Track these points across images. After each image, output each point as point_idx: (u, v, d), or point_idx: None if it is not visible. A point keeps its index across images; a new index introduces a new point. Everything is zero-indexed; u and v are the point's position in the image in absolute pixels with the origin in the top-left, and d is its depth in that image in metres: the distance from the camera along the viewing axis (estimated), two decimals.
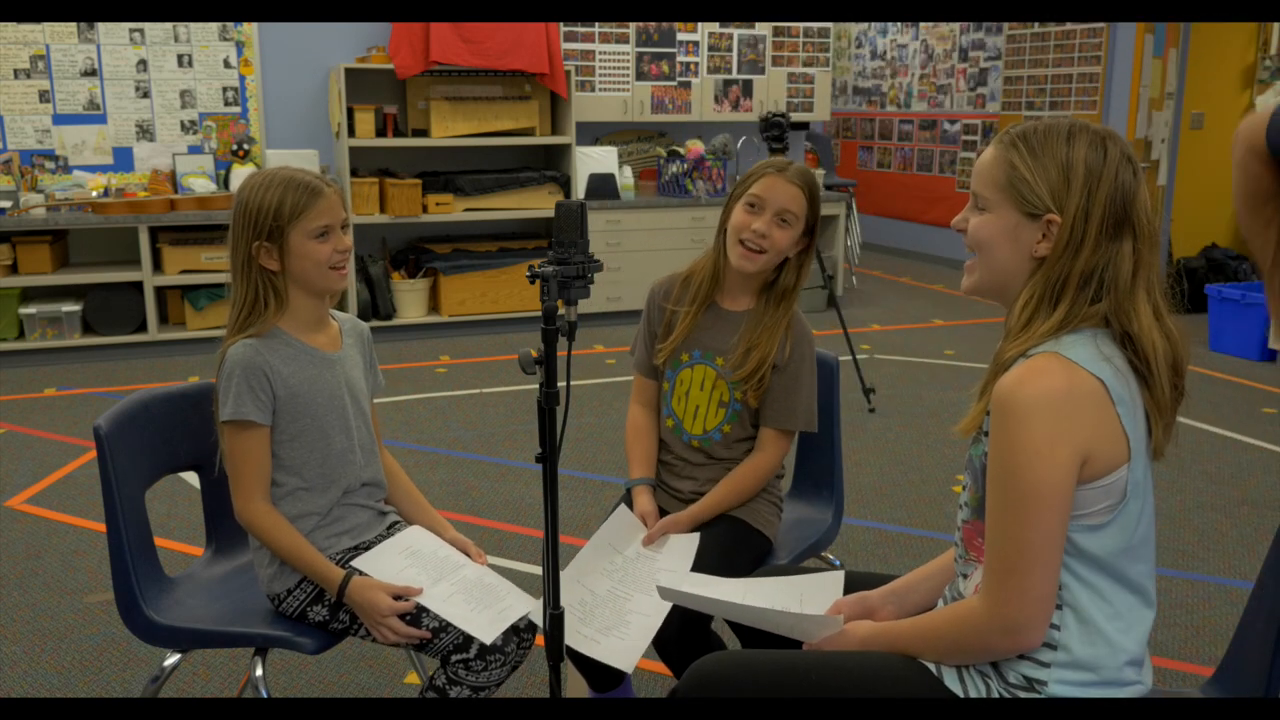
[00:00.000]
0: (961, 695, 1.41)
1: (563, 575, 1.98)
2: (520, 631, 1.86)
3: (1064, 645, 1.38)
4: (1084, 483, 1.33)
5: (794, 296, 2.16)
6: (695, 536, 2.07)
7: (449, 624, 1.81)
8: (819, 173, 7.21)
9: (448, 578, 1.90)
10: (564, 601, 1.92)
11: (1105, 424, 1.32)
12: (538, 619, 1.83)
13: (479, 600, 1.86)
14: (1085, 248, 1.36)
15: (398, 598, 1.82)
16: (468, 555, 2.00)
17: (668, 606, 1.89)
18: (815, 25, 7.29)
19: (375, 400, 2.12)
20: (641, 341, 2.27)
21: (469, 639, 1.80)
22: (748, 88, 7.18)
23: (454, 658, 1.80)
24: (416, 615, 1.82)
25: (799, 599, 1.71)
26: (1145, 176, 1.40)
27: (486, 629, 1.80)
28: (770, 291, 2.15)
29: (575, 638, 1.87)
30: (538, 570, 3.09)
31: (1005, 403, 1.32)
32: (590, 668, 2.10)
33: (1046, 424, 1.29)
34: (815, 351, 2.18)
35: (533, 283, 1.61)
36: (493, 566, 2.03)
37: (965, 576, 1.49)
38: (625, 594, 1.95)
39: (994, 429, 1.34)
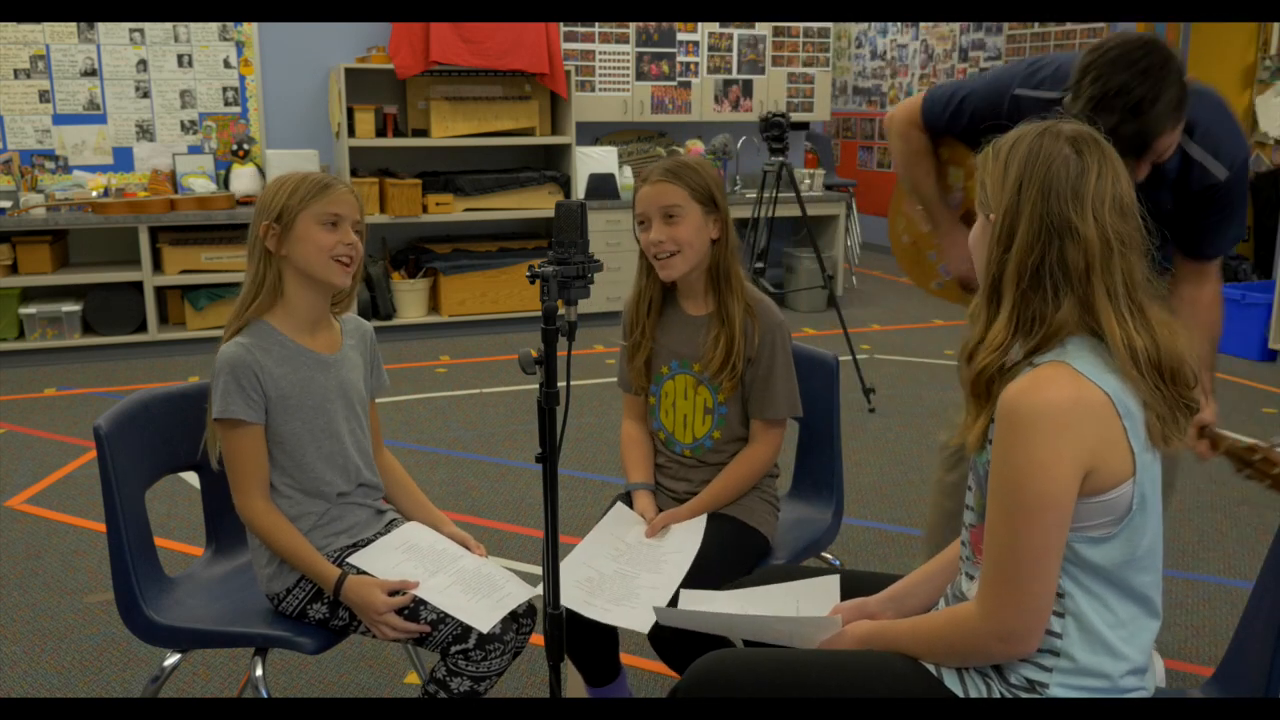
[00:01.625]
0: (962, 695, 1.41)
1: (566, 560, 1.99)
2: (519, 618, 1.87)
3: (1066, 653, 1.37)
4: (1087, 496, 1.32)
5: (735, 274, 2.13)
6: (700, 520, 2.07)
7: (447, 615, 1.81)
8: (818, 173, 7.21)
9: (445, 569, 1.90)
10: (570, 579, 1.93)
11: (1110, 437, 1.31)
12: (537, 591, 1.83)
13: (476, 590, 1.86)
14: (1016, 244, 1.35)
15: (395, 593, 1.82)
16: (466, 549, 2.00)
17: (677, 581, 1.91)
18: (815, 25, 7.29)
19: (376, 400, 2.12)
20: (623, 361, 2.27)
21: (467, 629, 1.80)
22: (748, 88, 7.18)
23: (454, 649, 1.80)
24: (414, 609, 1.82)
25: (795, 605, 1.71)
26: (1112, 172, 1.36)
27: (484, 618, 1.80)
28: (717, 279, 2.14)
29: (586, 607, 1.88)
30: (538, 570, 3.09)
31: (1010, 412, 1.31)
32: (586, 662, 2.09)
33: (1050, 435, 1.28)
34: (788, 337, 2.17)
35: (533, 283, 1.61)
36: None
37: (971, 578, 1.49)
38: (633, 573, 1.96)
39: (997, 438, 1.33)
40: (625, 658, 2.60)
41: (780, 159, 5.00)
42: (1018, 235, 1.35)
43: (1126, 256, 1.36)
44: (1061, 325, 1.35)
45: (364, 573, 1.88)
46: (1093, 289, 1.34)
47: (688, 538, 2.04)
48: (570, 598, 1.89)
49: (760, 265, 5.25)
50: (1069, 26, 7.53)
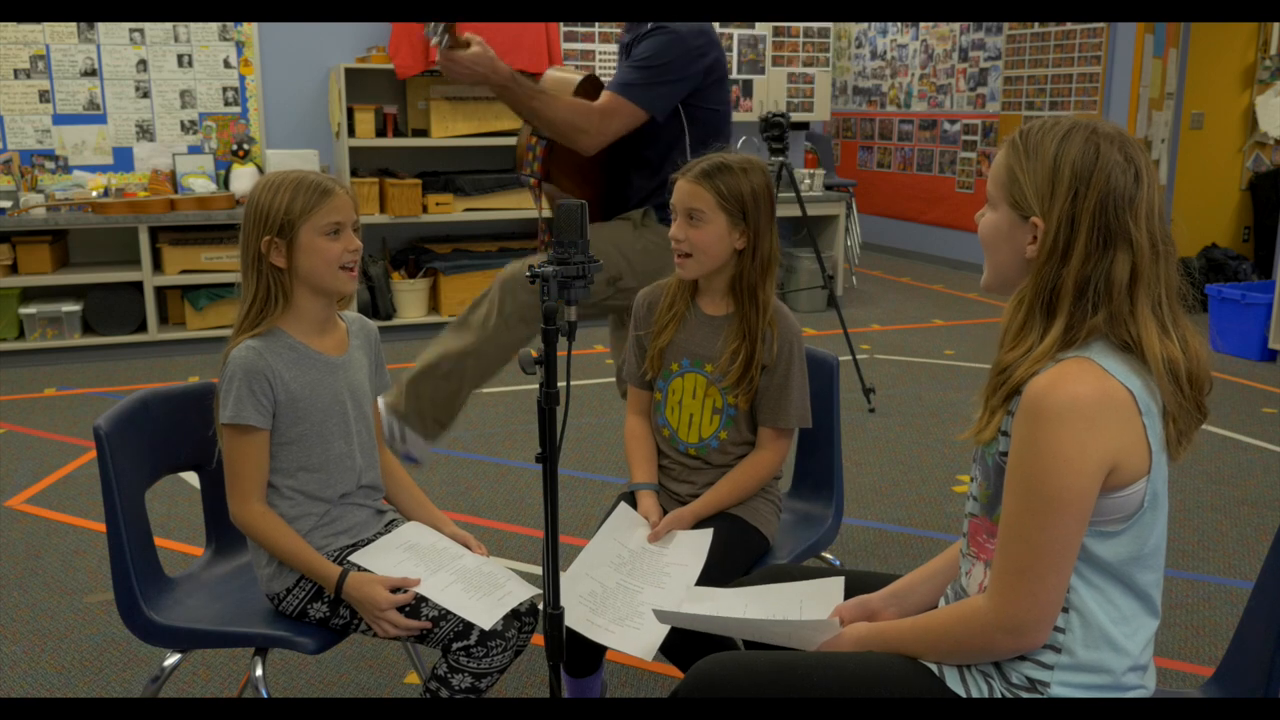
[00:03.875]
0: (964, 695, 1.41)
1: (569, 570, 1.98)
2: (521, 616, 1.86)
3: (1067, 648, 1.37)
4: (1105, 492, 1.31)
5: (763, 291, 2.11)
6: (708, 533, 2.06)
7: (448, 612, 1.81)
8: (818, 173, 7.20)
9: (446, 567, 1.90)
10: (573, 592, 1.93)
11: (1132, 435, 1.30)
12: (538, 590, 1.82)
13: (477, 588, 1.86)
14: (1074, 256, 1.32)
15: (396, 590, 1.82)
16: (468, 549, 2.00)
17: (681, 598, 1.89)
18: (815, 25, 7.29)
19: (378, 400, 2.12)
20: (632, 353, 2.26)
21: (469, 626, 1.79)
22: (748, 88, 7.18)
23: (455, 646, 1.80)
24: (415, 606, 1.82)
25: (799, 606, 1.71)
26: (1156, 178, 1.36)
27: (485, 615, 1.80)
28: (739, 291, 2.13)
29: (589, 628, 1.87)
30: (538, 570, 3.09)
31: (1036, 405, 1.30)
32: (571, 652, 2.06)
33: (1077, 430, 1.27)
34: (804, 348, 2.17)
35: (533, 283, 1.61)
36: None
37: (966, 573, 1.49)
38: (636, 587, 1.95)
39: (1020, 430, 1.32)
40: (625, 657, 2.60)
41: (780, 159, 5.00)
42: (1076, 247, 1.32)
43: (1169, 264, 1.35)
44: (1090, 331, 1.34)
45: (365, 570, 1.88)
46: (1136, 299, 1.33)
47: (693, 549, 2.02)
48: (573, 617, 1.87)
49: None
50: (1069, 26, 7.53)
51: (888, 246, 9.41)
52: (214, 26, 6.04)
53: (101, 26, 5.85)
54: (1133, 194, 1.32)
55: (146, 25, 5.93)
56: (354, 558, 1.91)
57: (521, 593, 1.87)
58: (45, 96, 5.82)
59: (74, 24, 5.79)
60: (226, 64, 6.10)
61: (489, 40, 6.76)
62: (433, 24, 2.59)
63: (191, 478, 2.47)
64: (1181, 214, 7.31)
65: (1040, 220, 1.35)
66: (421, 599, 1.83)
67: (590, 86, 2.83)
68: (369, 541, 1.97)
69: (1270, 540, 1.60)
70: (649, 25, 2.74)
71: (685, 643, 1.85)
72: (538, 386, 1.61)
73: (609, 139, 2.71)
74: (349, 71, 5.93)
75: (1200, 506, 3.67)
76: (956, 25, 8.60)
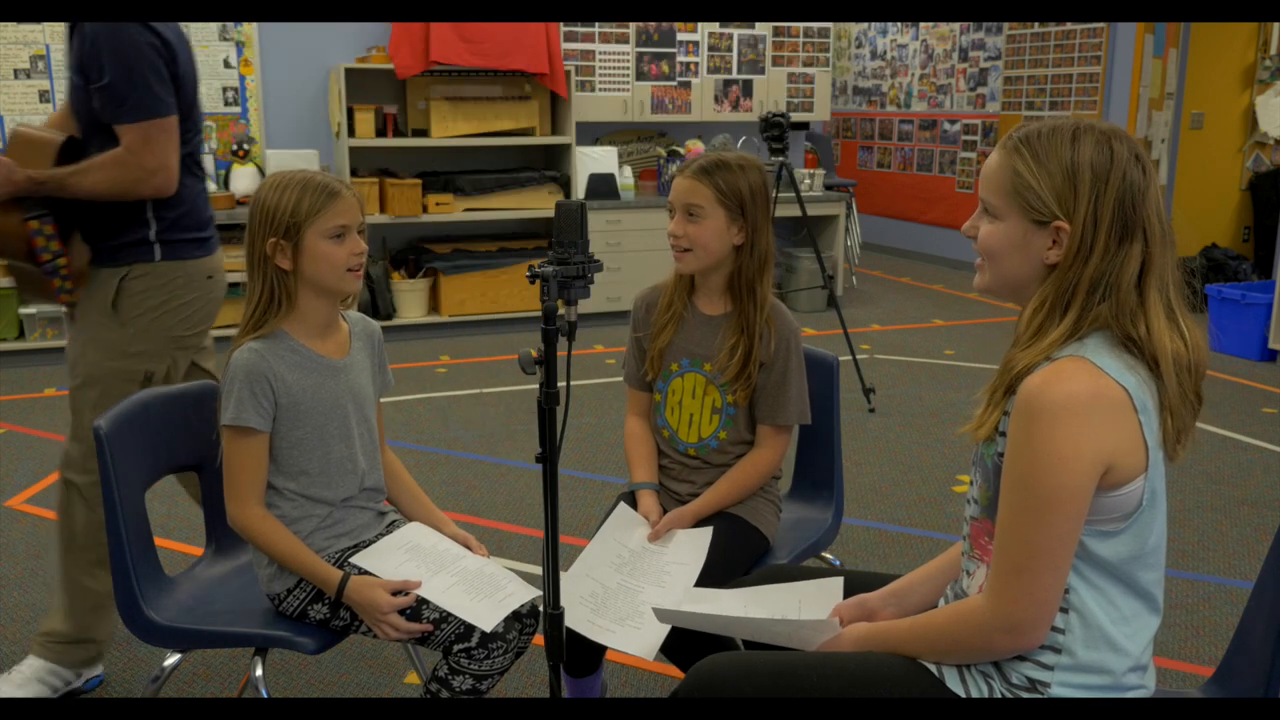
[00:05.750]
0: (963, 696, 1.41)
1: (570, 570, 1.98)
2: (522, 618, 1.87)
3: (1068, 649, 1.37)
4: (1103, 490, 1.31)
5: (761, 287, 2.12)
6: (707, 531, 2.06)
7: (449, 614, 1.81)
8: (818, 173, 7.20)
9: (447, 569, 1.90)
10: (574, 593, 1.93)
11: (1127, 432, 1.31)
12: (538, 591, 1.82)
13: (479, 589, 1.86)
14: (1096, 253, 1.33)
15: (397, 593, 1.82)
16: (469, 550, 2.00)
17: (681, 597, 1.89)
18: (815, 25, 7.29)
19: (380, 399, 2.12)
20: (631, 355, 2.26)
21: (470, 628, 1.80)
22: (748, 88, 7.18)
23: (456, 647, 1.80)
24: (416, 609, 1.82)
25: (798, 606, 1.71)
26: (1155, 174, 1.38)
27: (486, 617, 1.80)
28: (738, 287, 2.14)
29: (589, 628, 1.87)
30: (538, 570, 3.09)
31: (1030, 404, 1.30)
32: (571, 653, 2.06)
33: (1071, 428, 1.28)
34: (801, 345, 2.18)
35: (533, 283, 1.61)
36: None
37: (969, 574, 1.49)
38: (636, 586, 1.95)
39: (1015, 429, 1.32)
40: (625, 657, 2.60)
41: (780, 159, 5.00)
42: (1098, 245, 1.33)
43: (1174, 252, 1.37)
44: (1094, 322, 1.34)
45: (366, 572, 1.88)
46: (1146, 289, 1.34)
47: (693, 548, 2.02)
48: (574, 617, 1.87)
49: None
50: (1069, 26, 7.53)
51: (888, 246, 9.41)
52: (214, 26, 6.03)
53: None
54: (1144, 187, 1.35)
55: None
56: (355, 559, 1.91)
57: (523, 594, 1.87)
58: (45, 96, 5.82)
59: None
60: (226, 64, 6.09)
61: (490, 40, 6.65)
62: None
63: (191, 478, 2.47)
64: (1181, 214, 7.32)
65: (1065, 223, 1.35)
66: (423, 601, 1.83)
67: (70, 147, 2.34)
68: (370, 543, 1.97)
69: (1270, 540, 1.60)
70: (77, 34, 2.28)
71: (685, 643, 1.85)
72: (538, 386, 1.61)
73: (174, 162, 2.32)
74: (349, 71, 5.92)
75: (1200, 506, 3.67)
76: (956, 25, 8.60)
